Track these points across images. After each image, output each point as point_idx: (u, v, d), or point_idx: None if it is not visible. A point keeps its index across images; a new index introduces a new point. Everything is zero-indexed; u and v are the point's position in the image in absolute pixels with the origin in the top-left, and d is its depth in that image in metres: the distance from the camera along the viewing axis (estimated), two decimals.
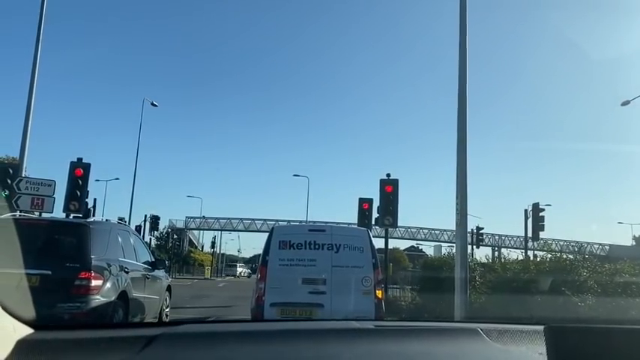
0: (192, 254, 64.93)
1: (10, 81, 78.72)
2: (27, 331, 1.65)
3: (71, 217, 13.42)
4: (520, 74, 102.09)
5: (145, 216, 41.94)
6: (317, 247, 7.99)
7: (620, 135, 75.17)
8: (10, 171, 13.83)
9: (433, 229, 61.12)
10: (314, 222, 27.73)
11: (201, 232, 70.87)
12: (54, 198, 13.75)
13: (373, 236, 8.83)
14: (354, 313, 7.14)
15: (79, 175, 14.41)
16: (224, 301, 18.66)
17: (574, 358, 1.26)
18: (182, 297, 17.17)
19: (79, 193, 14.37)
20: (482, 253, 57.95)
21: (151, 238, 43.17)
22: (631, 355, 1.24)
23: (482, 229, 40.53)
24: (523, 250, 31.28)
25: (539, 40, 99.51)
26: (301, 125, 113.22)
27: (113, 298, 6.81)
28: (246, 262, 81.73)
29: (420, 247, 75.75)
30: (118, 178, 45.35)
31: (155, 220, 42.24)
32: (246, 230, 62.27)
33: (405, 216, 77.23)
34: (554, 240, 44.21)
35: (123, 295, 7.15)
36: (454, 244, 10.76)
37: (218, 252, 70.43)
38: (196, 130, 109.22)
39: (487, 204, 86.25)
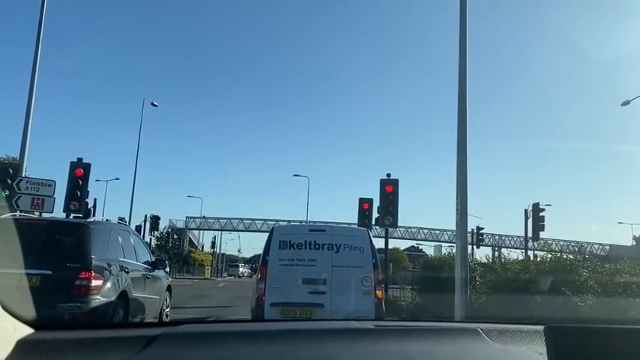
0: (192, 254, 64.95)
1: (10, 81, 78.92)
2: (27, 331, 1.65)
3: (71, 217, 13.42)
4: (521, 74, 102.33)
5: (145, 216, 42.01)
6: (317, 247, 7.99)
7: (620, 135, 75.31)
8: (11, 171, 13.83)
9: (433, 229, 61.16)
10: (314, 222, 27.75)
11: (202, 232, 71.05)
12: (54, 198, 13.77)
13: (373, 236, 8.84)
14: (354, 313, 7.14)
15: (79, 175, 14.41)
16: (224, 301, 18.66)
17: (574, 358, 1.25)
18: (182, 297, 17.17)
19: (79, 193, 14.37)
20: (482, 253, 57.99)
21: (151, 238, 43.19)
22: (631, 355, 1.24)
23: (483, 229, 40.57)
24: (523, 250, 31.29)
25: (540, 40, 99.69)
26: (301, 125, 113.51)
27: (113, 298, 6.80)
28: (247, 262, 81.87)
29: (420, 247, 75.80)
30: (118, 178, 45.39)
31: (155, 220, 42.23)
32: (246, 230, 62.32)
33: (405, 216, 77.22)
34: (554, 240, 44.19)
35: (123, 295, 7.14)
36: (454, 244, 10.76)
37: (218, 252, 70.54)
38: (196, 130, 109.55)
39: (487, 204, 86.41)
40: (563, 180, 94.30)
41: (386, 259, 17.03)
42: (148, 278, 8.62)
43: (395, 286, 20.88)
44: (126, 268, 7.48)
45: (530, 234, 27.13)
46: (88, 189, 14.98)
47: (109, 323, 6.12)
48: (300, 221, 38.44)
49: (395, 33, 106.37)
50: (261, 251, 8.75)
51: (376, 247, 8.39)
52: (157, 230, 47.07)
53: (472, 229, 36.29)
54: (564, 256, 10.94)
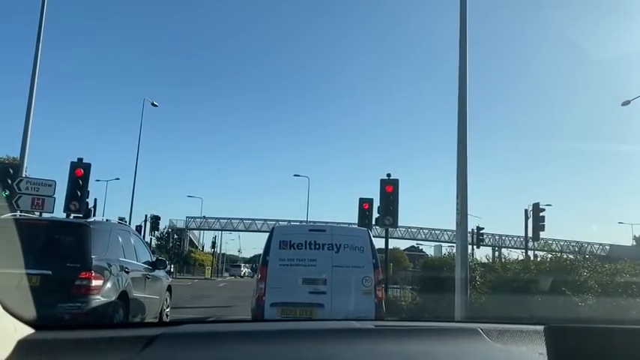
0: (192, 254, 64.97)
1: (10, 81, 78.95)
2: (28, 331, 1.65)
3: (71, 217, 13.43)
4: (521, 75, 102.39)
5: (146, 216, 42.09)
6: (317, 247, 7.99)
7: (620, 135, 75.30)
8: (11, 171, 13.84)
9: (433, 229, 61.17)
10: (314, 222, 27.75)
11: (202, 232, 71.07)
12: (54, 198, 13.77)
13: (373, 236, 8.83)
14: (354, 313, 7.14)
15: (79, 175, 14.42)
16: (224, 301, 18.66)
17: (574, 358, 1.25)
18: (182, 297, 17.17)
19: (79, 193, 14.39)
20: (482, 253, 58.05)
21: (151, 238, 43.27)
22: (631, 355, 1.24)
23: (483, 229, 40.58)
24: (523, 250, 31.30)
25: (540, 41, 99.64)
26: (301, 125, 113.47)
27: (113, 298, 6.81)
28: (247, 262, 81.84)
29: (421, 247, 75.80)
30: (118, 178, 45.36)
31: (155, 220, 42.28)
32: (246, 230, 62.32)
33: (406, 216, 77.30)
34: (554, 240, 44.23)
35: (123, 295, 7.14)
36: (454, 244, 10.75)
37: (218, 252, 70.54)
38: (197, 130, 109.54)
39: (487, 204, 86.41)
40: (563, 180, 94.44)
41: (386, 259, 17.04)
42: (148, 278, 8.62)
43: (395, 286, 20.87)
44: (126, 268, 7.48)
45: (530, 234, 27.14)
46: (88, 189, 15.02)
47: (109, 323, 6.12)
48: (301, 221, 38.43)
49: (395, 33, 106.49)
50: (261, 251, 8.75)
51: (376, 247, 8.39)
52: (158, 230, 47.20)
53: (472, 229, 36.32)
54: (564, 256, 10.94)
